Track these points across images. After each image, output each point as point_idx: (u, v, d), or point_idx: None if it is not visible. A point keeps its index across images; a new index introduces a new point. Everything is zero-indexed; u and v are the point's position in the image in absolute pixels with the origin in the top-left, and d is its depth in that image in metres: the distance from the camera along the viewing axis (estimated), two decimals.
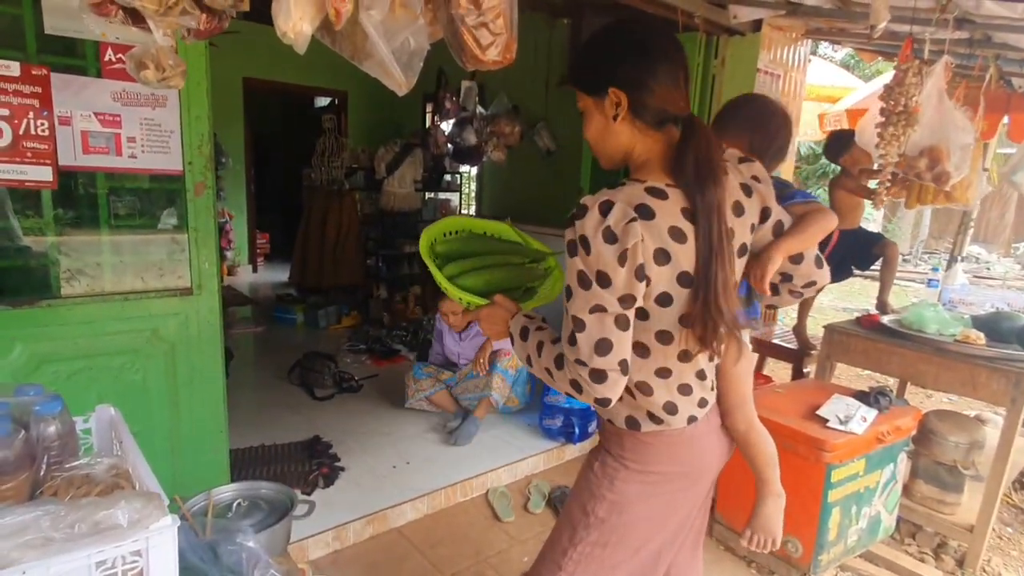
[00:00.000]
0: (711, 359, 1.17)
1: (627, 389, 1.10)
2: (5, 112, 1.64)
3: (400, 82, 1.30)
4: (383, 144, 5.81)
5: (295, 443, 2.98)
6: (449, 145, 5.79)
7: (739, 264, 1.15)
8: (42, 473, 0.98)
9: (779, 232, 1.19)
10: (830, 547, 2.17)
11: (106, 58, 1.78)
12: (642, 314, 1.06)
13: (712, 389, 1.22)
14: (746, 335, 1.40)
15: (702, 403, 1.18)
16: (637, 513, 1.19)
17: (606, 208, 0.99)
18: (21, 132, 1.67)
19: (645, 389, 1.11)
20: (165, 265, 2.00)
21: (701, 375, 1.16)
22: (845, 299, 8.30)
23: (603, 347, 1.00)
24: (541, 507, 2.70)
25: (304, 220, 6.06)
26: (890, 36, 2.90)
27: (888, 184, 2.49)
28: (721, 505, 2.41)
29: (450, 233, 1.43)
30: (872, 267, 3.54)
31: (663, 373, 1.11)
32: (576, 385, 1.04)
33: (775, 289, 1.27)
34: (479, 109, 5.47)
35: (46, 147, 1.71)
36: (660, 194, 1.03)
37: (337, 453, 2.90)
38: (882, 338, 2.63)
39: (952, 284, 3.90)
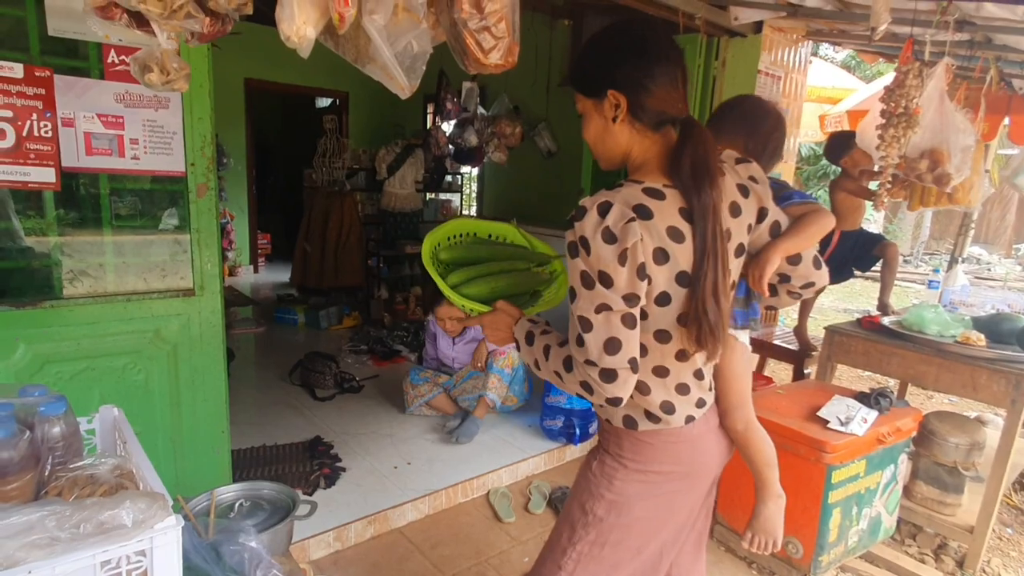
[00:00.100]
0: (708, 359, 1.18)
1: None
2: (8, 114, 1.65)
3: (403, 85, 1.30)
4: (384, 145, 5.82)
5: (296, 443, 2.99)
6: (450, 146, 5.79)
7: (736, 264, 1.16)
8: (47, 473, 0.98)
9: (776, 233, 1.20)
10: (830, 548, 2.17)
11: (109, 60, 1.78)
12: (642, 314, 1.06)
13: (710, 389, 1.22)
14: (746, 336, 1.40)
15: (700, 403, 1.18)
16: (636, 513, 1.19)
17: (604, 209, 1.00)
18: (24, 134, 1.67)
19: (643, 388, 1.12)
20: (167, 266, 2.01)
21: (699, 375, 1.17)
22: (846, 300, 8.30)
23: (612, 346, 1.00)
24: (542, 508, 2.71)
25: (305, 221, 6.07)
26: (891, 38, 2.90)
27: (889, 186, 2.50)
28: (722, 506, 2.41)
29: (454, 237, 1.42)
30: (873, 268, 3.54)
31: (660, 372, 1.12)
32: (587, 386, 1.04)
33: (773, 290, 1.27)
34: (480, 110, 5.48)
35: (49, 148, 1.72)
36: (658, 195, 1.04)
37: (338, 453, 2.91)
38: (883, 339, 2.64)
39: (953, 285, 3.90)
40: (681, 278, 1.04)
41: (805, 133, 5.50)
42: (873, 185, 3.00)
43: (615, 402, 1.04)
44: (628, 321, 1.01)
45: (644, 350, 1.10)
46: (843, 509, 2.17)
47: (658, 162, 1.09)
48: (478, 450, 3.06)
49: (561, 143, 5.08)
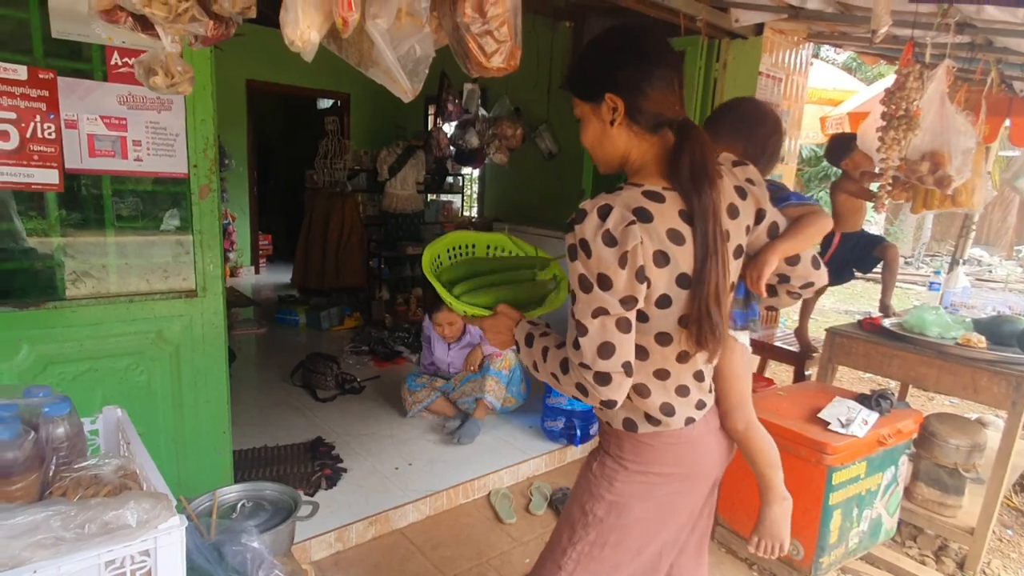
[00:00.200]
0: (709, 360, 1.18)
1: None
2: (12, 115, 1.65)
3: (406, 89, 1.31)
4: (385, 146, 5.83)
5: (298, 444, 2.99)
6: (451, 147, 5.80)
7: (735, 266, 1.16)
8: (51, 474, 0.99)
9: (774, 234, 1.21)
10: (831, 549, 2.18)
11: (112, 62, 1.79)
12: (642, 317, 1.07)
13: (710, 391, 1.23)
14: (746, 336, 1.41)
15: (700, 405, 1.18)
16: (636, 514, 1.19)
17: (604, 212, 1.01)
18: (28, 135, 1.68)
19: (643, 391, 1.12)
20: (170, 267, 2.02)
21: (699, 376, 1.17)
22: (847, 302, 8.30)
23: (606, 350, 1.01)
24: (543, 509, 2.71)
25: (306, 222, 6.07)
26: (892, 40, 2.90)
27: (889, 188, 2.50)
28: (723, 508, 2.41)
29: (453, 249, 1.42)
30: (874, 270, 3.54)
31: (661, 375, 1.12)
32: (581, 388, 1.05)
33: (772, 290, 1.28)
34: (481, 111, 5.50)
35: (52, 150, 1.73)
36: (657, 197, 1.05)
37: (340, 454, 2.92)
38: (884, 341, 2.64)
39: (954, 287, 3.90)
40: (682, 280, 1.05)
41: (806, 135, 5.51)
42: (874, 187, 3.01)
43: (609, 404, 1.05)
44: (623, 325, 1.02)
45: (645, 353, 1.10)
46: (844, 511, 2.17)
47: (656, 165, 1.10)
48: (479, 451, 3.06)
49: (562, 144, 5.09)
